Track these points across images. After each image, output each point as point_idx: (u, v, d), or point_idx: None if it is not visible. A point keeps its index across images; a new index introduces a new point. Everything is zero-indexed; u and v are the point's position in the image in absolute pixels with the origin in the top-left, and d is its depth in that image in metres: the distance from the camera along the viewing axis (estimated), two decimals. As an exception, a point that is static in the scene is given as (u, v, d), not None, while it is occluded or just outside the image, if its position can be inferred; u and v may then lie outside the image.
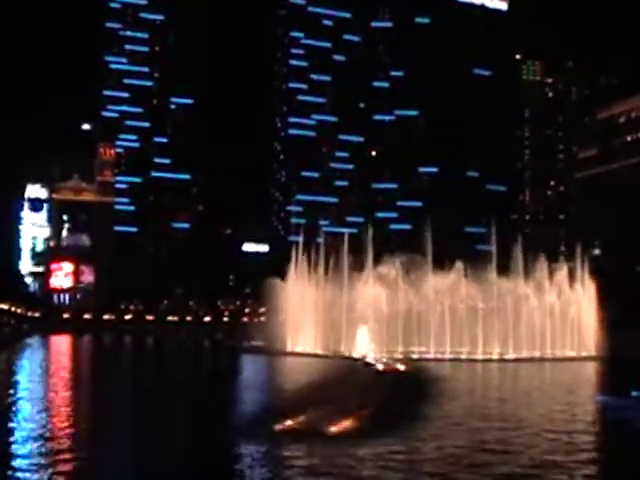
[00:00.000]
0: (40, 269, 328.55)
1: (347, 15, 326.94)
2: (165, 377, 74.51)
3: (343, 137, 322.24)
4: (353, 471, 28.08)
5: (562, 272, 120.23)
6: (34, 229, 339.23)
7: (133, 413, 44.70)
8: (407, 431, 36.18)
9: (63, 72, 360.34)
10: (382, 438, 33.74)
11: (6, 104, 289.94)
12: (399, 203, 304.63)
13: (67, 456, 29.28)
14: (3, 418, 38.92)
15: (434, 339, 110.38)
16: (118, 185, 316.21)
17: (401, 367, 61.46)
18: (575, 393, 61.86)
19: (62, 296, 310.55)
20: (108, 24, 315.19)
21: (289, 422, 34.20)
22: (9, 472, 26.67)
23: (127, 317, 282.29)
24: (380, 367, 59.81)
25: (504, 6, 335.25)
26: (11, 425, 36.52)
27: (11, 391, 52.77)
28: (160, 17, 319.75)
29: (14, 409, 42.47)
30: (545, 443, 34.28)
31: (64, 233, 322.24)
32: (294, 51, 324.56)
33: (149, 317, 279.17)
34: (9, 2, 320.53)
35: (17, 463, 28.12)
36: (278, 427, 33.72)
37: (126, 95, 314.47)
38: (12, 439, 32.78)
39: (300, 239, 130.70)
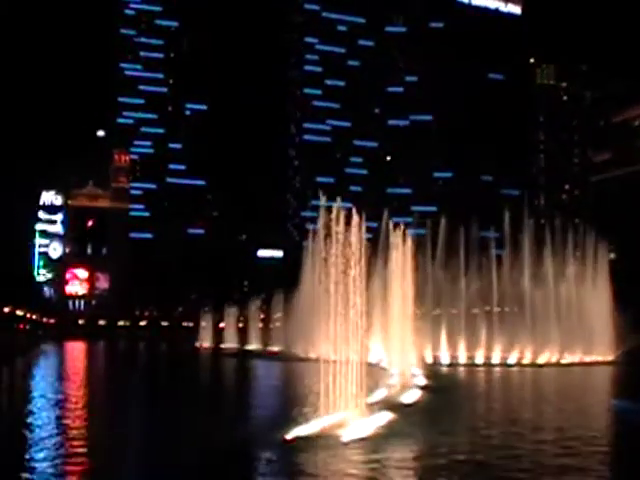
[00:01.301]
0: (56, 276, 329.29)
1: (361, 20, 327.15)
2: (179, 382, 74.50)
3: (358, 142, 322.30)
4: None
5: (577, 276, 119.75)
6: (49, 235, 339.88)
7: (144, 421, 44.62)
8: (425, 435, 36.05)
9: (78, 79, 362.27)
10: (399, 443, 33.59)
11: (22, 111, 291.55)
12: (414, 208, 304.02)
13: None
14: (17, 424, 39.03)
15: (448, 344, 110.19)
16: (133, 191, 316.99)
17: (420, 382, 60.78)
18: (590, 397, 61.55)
19: (77, 302, 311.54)
20: (123, 31, 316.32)
21: (302, 428, 33.93)
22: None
23: (142, 323, 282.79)
24: (395, 380, 58.83)
25: (518, 10, 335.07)
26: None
27: (26, 402, 52.69)
28: (175, 24, 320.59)
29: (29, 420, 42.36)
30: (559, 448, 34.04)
31: (79, 240, 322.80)
32: (308, 57, 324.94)
33: (164, 323, 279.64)
34: (24, 10, 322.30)
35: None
36: (291, 434, 33.43)
37: (141, 102, 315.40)
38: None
39: (311, 244, 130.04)
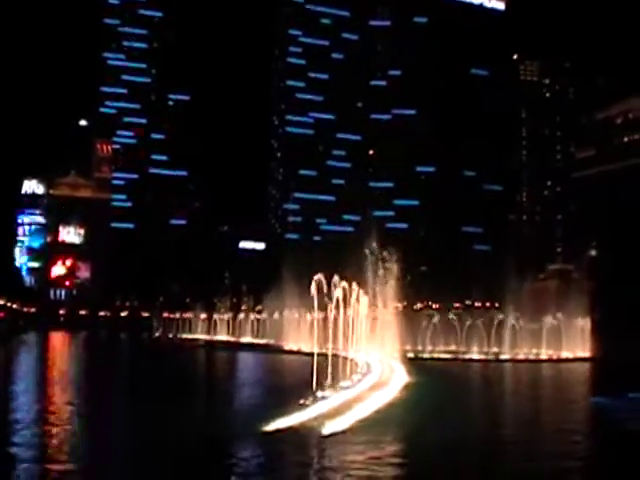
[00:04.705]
0: (37, 265, 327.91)
1: (346, 14, 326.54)
2: (158, 375, 74.59)
3: (340, 135, 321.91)
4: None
5: (556, 273, 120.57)
6: (31, 225, 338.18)
7: (123, 413, 44.75)
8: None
9: (61, 68, 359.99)
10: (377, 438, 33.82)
11: (4, 100, 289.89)
12: (396, 202, 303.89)
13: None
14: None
15: (429, 339, 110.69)
16: (115, 181, 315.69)
17: (400, 375, 61.04)
18: (570, 393, 61.98)
19: (58, 292, 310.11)
20: (106, 20, 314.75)
21: (282, 420, 34.06)
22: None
23: (123, 314, 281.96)
24: (375, 374, 58.86)
25: (502, 6, 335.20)
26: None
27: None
28: (158, 14, 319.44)
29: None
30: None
31: (61, 229, 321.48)
32: (292, 49, 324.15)
33: (145, 314, 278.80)
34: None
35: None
36: (271, 426, 33.52)
37: (124, 91, 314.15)
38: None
39: (296, 237, 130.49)
